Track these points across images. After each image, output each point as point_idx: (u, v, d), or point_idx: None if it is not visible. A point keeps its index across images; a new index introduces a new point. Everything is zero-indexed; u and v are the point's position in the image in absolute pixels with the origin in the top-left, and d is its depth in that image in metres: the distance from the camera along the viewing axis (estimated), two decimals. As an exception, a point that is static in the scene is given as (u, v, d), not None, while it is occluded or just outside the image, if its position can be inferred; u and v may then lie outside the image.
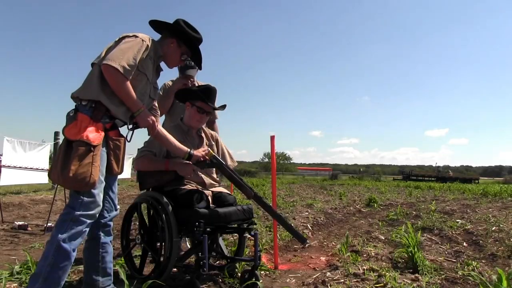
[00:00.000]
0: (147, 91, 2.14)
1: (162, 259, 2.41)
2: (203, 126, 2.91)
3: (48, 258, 1.79)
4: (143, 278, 2.41)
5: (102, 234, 2.06)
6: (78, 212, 1.84)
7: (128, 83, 1.94)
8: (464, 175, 47.10)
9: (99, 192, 1.91)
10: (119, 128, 2.07)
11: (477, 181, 36.42)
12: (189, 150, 2.33)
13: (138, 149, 2.64)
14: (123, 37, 2.02)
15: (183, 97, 2.82)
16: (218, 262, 3.04)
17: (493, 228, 4.65)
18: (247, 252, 3.03)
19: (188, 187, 2.58)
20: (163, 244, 2.39)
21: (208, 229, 2.42)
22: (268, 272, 2.95)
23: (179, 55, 2.26)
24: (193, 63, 3.23)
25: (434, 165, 60.89)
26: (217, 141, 2.92)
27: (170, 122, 3.17)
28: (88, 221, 1.89)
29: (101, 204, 1.94)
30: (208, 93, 2.73)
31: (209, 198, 2.58)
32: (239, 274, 2.67)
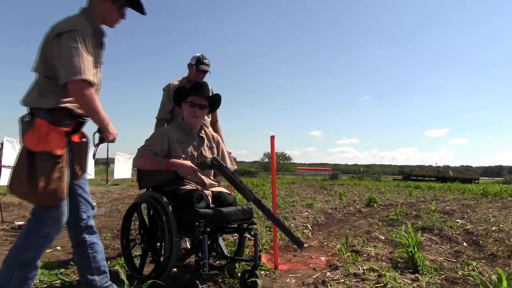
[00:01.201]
0: (100, 74, 1.99)
1: (162, 259, 2.42)
2: (205, 128, 2.91)
3: (14, 272, 1.75)
4: (143, 278, 2.40)
5: (86, 236, 2.02)
6: (48, 229, 1.79)
7: (95, 96, 1.81)
8: (464, 175, 47.08)
9: (66, 202, 1.84)
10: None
11: (477, 181, 36.41)
12: (107, 123, 1.88)
13: (138, 149, 2.64)
14: (59, 34, 1.78)
15: (178, 99, 2.82)
16: (218, 262, 3.03)
17: (493, 228, 4.65)
18: (247, 252, 3.03)
19: (188, 187, 2.58)
20: (163, 244, 2.39)
21: (208, 229, 2.42)
22: (268, 272, 2.95)
23: (116, 10, 2.00)
24: (207, 60, 3.38)
25: (434, 165, 60.93)
26: (218, 143, 2.92)
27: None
28: (56, 236, 1.84)
29: (67, 211, 1.88)
30: (196, 86, 2.74)
31: (209, 198, 2.58)
32: (239, 274, 2.67)
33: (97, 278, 2.05)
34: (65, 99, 1.82)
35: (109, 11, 1.98)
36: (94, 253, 2.04)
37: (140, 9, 2.08)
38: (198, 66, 3.35)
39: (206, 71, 3.40)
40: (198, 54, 3.38)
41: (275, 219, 2.58)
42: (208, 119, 3.44)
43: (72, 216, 1.94)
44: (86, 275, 2.03)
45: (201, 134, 2.82)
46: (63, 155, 1.78)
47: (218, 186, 2.79)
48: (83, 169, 1.98)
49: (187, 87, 2.90)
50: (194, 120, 2.74)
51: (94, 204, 2.15)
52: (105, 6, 1.96)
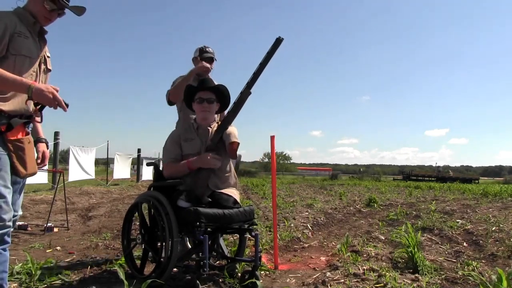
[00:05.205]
0: (34, 70, 1.88)
1: (162, 259, 2.42)
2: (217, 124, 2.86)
3: None
4: (144, 278, 2.41)
5: None
6: None
7: None
8: (464, 175, 47.08)
9: (6, 199, 1.74)
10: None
11: (477, 181, 36.46)
12: (30, 84, 1.72)
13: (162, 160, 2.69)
14: None
15: (188, 102, 2.84)
16: (218, 262, 3.04)
17: (493, 228, 4.65)
18: (247, 252, 3.03)
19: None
20: (164, 244, 2.40)
21: (208, 229, 2.42)
22: (268, 272, 2.95)
23: (41, 5, 1.88)
24: (210, 49, 3.34)
25: (434, 165, 60.93)
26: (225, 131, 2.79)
27: (183, 120, 3.22)
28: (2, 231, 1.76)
29: (12, 208, 1.80)
30: (199, 82, 2.80)
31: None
32: (239, 274, 2.67)
33: None
34: None
35: (36, 5, 1.89)
36: None
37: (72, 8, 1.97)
38: (202, 55, 3.30)
39: (212, 58, 3.32)
40: (200, 46, 3.35)
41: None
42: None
43: None
44: None
45: (209, 128, 2.78)
46: None
47: (229, 188, 2.72)
48: (26, 167, 1.85)
49: (195, 84, 2.88)
50: (204, 114, 2.75)
51: (20, 213, 2.02)
52: (33, 1, 1.90)
